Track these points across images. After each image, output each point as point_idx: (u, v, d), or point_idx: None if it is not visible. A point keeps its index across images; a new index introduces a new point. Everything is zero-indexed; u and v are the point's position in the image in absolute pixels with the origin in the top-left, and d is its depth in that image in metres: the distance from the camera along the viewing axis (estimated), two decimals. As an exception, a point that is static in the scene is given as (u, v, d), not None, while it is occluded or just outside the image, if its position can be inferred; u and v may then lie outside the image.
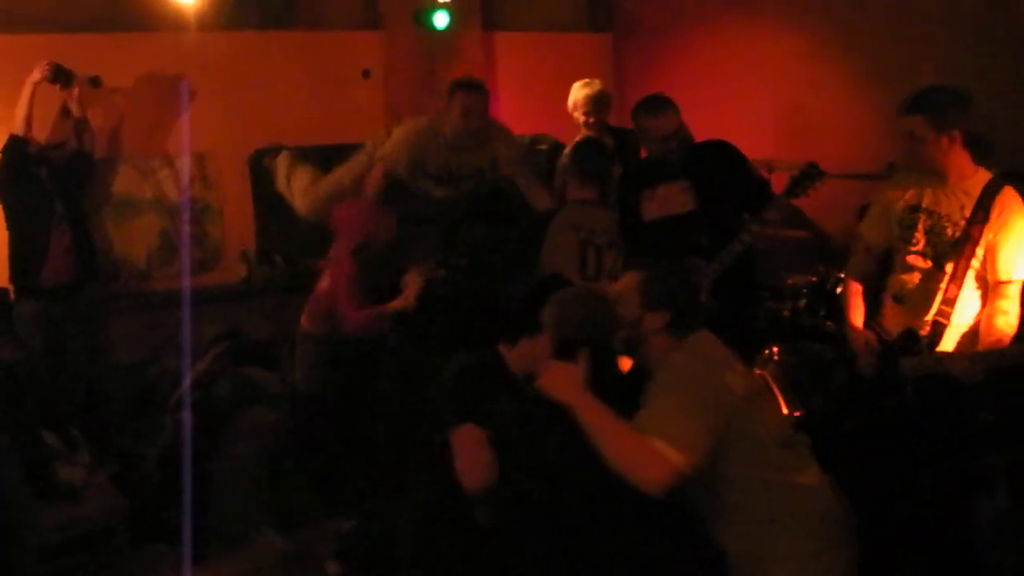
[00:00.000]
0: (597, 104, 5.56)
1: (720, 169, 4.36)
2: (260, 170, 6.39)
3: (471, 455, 3.04)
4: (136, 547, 4.77)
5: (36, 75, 5.32)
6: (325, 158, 5.96)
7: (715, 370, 2.90)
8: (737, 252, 4.10)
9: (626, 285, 3.13)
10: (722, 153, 4.47)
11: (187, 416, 4.96)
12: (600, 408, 2.77)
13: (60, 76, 5.40)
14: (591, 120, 5.56)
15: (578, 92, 5.60)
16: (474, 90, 4.93)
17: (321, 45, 6.82)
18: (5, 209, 5.43)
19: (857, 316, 3.86)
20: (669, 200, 4.30)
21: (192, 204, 6.44)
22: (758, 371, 4.09)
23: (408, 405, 4.57)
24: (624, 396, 2.86)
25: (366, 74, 7.01)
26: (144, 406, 5.46)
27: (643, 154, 5.75)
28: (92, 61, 5.96)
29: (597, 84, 5.65)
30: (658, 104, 4.29)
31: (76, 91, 5.55)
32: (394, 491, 4.04)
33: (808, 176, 3.99)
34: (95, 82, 5.92)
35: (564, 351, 2.98)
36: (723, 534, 2.96)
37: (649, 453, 2.67)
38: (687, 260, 4.13)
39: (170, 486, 4.85)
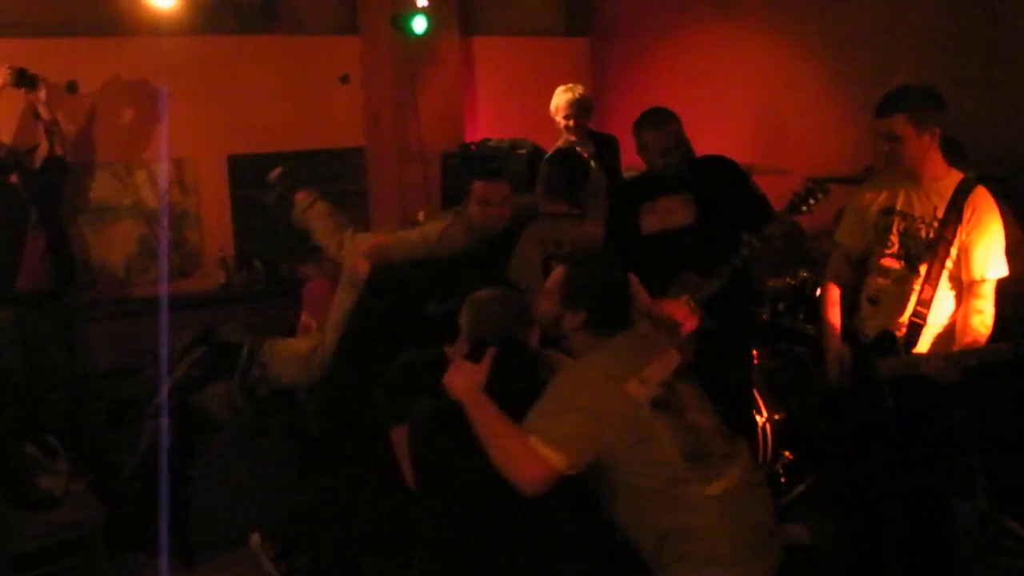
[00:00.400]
0: (578, 108, 5.58)
1: (722, 184, 4.33)
2: (238, 175, 6.37)
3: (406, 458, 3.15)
4: (115, 556, 4.73)
5: None
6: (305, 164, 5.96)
7: (616, 377, 2.84)
8: (735, 268, 4.06)
9: (552, 280, 3.10)
10: (724, 168, 4.44)
11: (165, 422, 4.93)
12: (489, 407, 2.79)
13: (23, 80, 5.34)
14: (572, 124, 5.59)
15: (560, 97, 5.62)
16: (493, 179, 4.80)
17: (299, 50, 6.81)
18: None
19: (834, 329, 3.87)
20: (670, 213, 4.27)
21: (170, 210, 6.41)
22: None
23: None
24: (534, 397, 2.86)
25: (344, 79, 7.00)
26: (125, 414, 5.42)
27: (623, 162, 5.79)
28: (68, 66, 5.94)
29: (579, 89, 5.67)
30: (661, 118, 4.25)
31: (43, 94, 5.47)
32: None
33: (811, 192, 3.97)
34: (71, 87, 5.89)
35: (477, 351, 2.99)
36: (631, 538, 2.93)
37: (526, 451, 2.69)
38: (684, 274, 4.12)
39: (149, 493, 4.82)
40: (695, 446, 2.83)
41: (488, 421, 2.78)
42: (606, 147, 5.72)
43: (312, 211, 5.43)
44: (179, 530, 4.80)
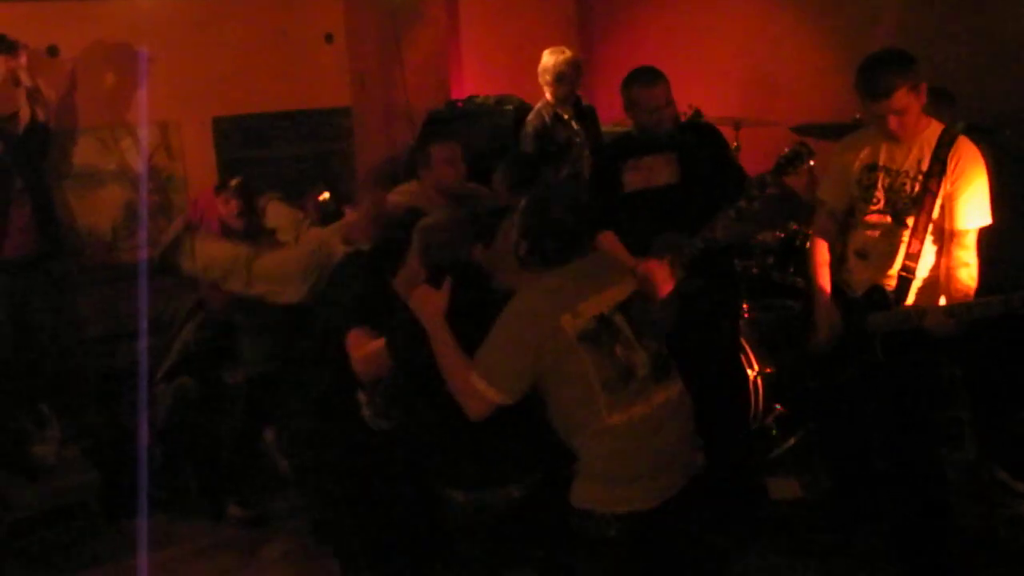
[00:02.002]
0: (568, 73, 5.51)
1: (705, 147, 4.30)
2: (223, 137, 6.33)
3: (362, 350, 3.42)
4: (111, 522, 4.76)
5: None
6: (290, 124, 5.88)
7: (549, 312, 3.02)
8: (714, 238, 4.04)
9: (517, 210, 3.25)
10: (708, 134, 4.42)
11: (186, 384, 4.97)
12: (447, 337, 3.09)
13: (2, 46, 5.25)
14: (560, 90, 5.52)
15: (548, 58, 5.53)
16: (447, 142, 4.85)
17: (283, 9, 6.72)
18: None
19: (824, 293, 3.85)
20: (654, 171, 4.25)
21: (156, 174, 6.36)
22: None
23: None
24: (491, 315, 3.08)
25: (329, 38, 6.93)
26: (124, 380, 5.41)
27: (604, 119, 5.75)
28: (48, 30, 5.86)
29: (568, 53, 5.57)
30: (651, 76, 4.22)
31: (24, 59, 5.36)
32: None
33: (798, 155, 3.94)
34: (52, 51, 5.81)
35: (434, 276, 3.25)
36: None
37: (470, 387, 3.01)
38: (667, 234, 4.10)
39: (177, 455, 4.98)
40: (615, 377, 3.01)
41: (444, 352, 3.09)
42: (587, 118, 5.66)
43: (271, 207, 5.49)
44: (210, 486, 5.00)
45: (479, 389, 3.00)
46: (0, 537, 4.41)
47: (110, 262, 6.16)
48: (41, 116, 5.45)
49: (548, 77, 5.51)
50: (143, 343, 5.32)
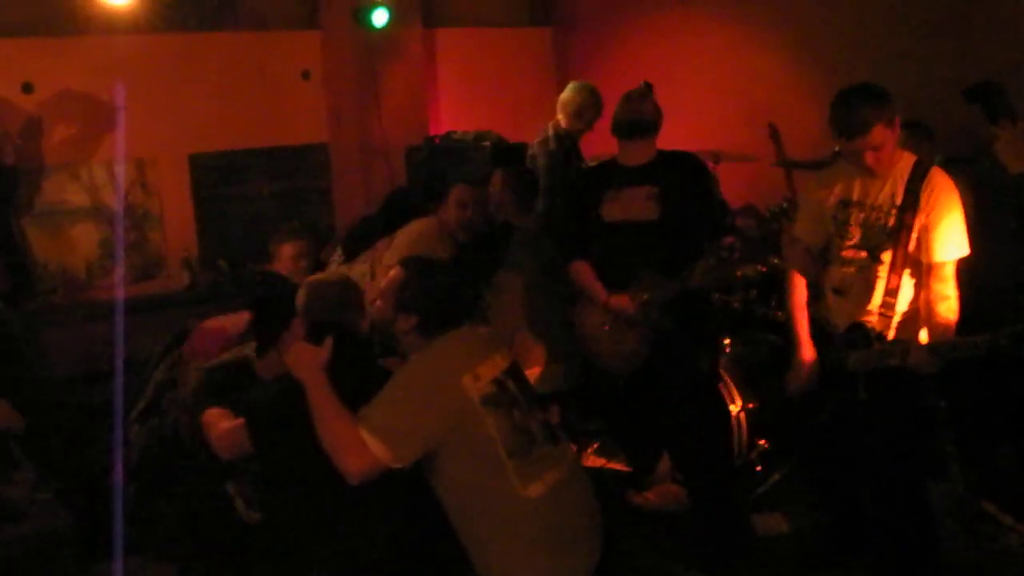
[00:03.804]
0: (595, 111, 5.61)
1: (687, 182, 4.25)
2: (199, 174, 6.29)
3: (217, 427, 3.31)
4: (82, 564, 4.66)
5: None
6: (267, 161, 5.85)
7: (450, 372, 2.94)
8: (690, 285, 4.03)
9: (388, 282, 3.20)
10: (690, 165, 4.35)
11: (164, 422, 4.87)
12: (326, 390, 2.89)
13: None
14: (581, 126, 5.63)
15: (583, 94, 5.65)
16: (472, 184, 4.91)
17: (259, 46, 6.73)
18: None
19: (802, 333, 3.79)
20: (633, 204, 4.20)
21: (132, 211, 6.32)
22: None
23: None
24: (374, 385, 2.95)
25: (306, 75, 6.93)
26: (98, 420, 5.32)
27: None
28: (23, 66, 5.84)
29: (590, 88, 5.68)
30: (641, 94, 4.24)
31: None
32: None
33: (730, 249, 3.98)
34: (27, 88, 5.77)
35: (314, 333, 3.10)
36: (458, 531, 3.02)
37: (355, 442, 2.80)
38: (645, 271, 4.08)
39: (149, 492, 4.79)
40: (520, 446, 2.92)
41: (324, 404, 2.88)
42: (573, 144, 5.71)
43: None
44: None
45: (367, 444, 2.79)
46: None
47: (84, 300, 6.10)
48: (9, 160, 5.40)
49: (580, 113, 5.60)
50: (118, 381, 5.24)
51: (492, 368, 3.00)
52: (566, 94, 5.68)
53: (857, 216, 3.62)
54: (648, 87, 4.27)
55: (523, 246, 4.78)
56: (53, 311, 5.87)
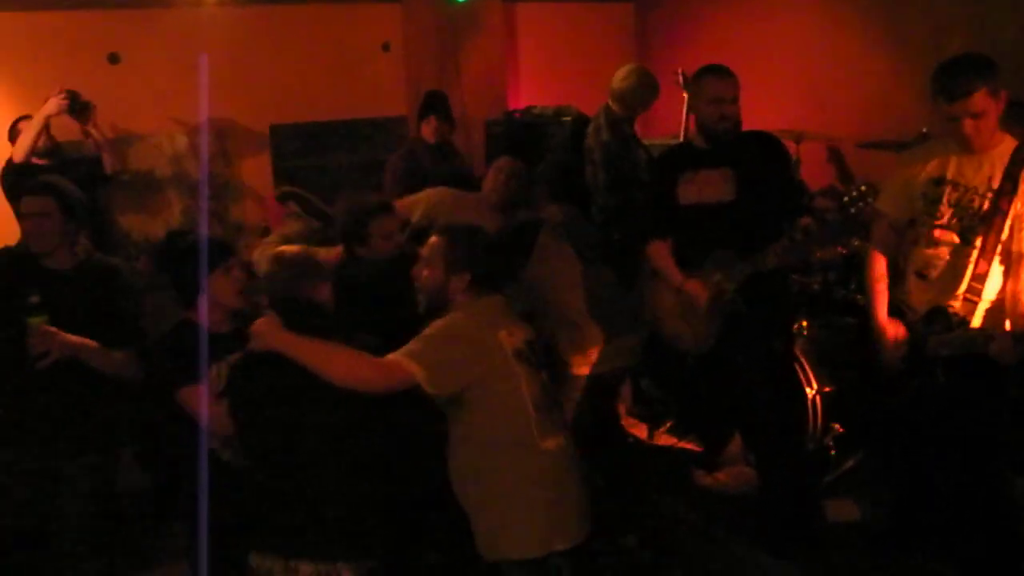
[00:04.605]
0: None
1: (765, 163, 4.15)
2: (280, 144, 6.34)
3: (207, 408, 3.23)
4: (159, 524, 4.75)
5: (51, 107, 5.19)
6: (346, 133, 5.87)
7: (489, 324, 3.09)
8: (768, 264, 3.94)
9: (431, 250, 3.26)
10: (770, 146, 4.26)
11: None
12: (306, 341, 2.89)
13: (76, 109, 5.31)
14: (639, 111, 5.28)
15: (648, 83, 5.20)
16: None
17: (340, 18, 6.76)
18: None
19: (882, 307, 3.71)
20: (708, 186, 4.13)
21: (213, 180, 6.41)
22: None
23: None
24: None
25: (386, 47, 6.94)
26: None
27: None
28: (109, 38, 5.94)
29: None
30: (724, 69, 4.09)
31: (95, 119, 5.51)
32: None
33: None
34: (113, 59, 5.88)
35: (278, 307, 3.07)
36: (457, 476, 3.14)
37: (372, 362, 2.88)
38: (720, 252, 4.02)
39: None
40: (543, 402, 3.09)
41: (314, 348, 2.88)
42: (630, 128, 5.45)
43: None
44: None
45: (400, 362, 2.87)
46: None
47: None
48: (108, 169, 5.54)
49: (627, 95, 5.17)
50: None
51: (523, 332, 3.18)
52: (620, 80, 5.16)
53: (951, 195, 3.50)
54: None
55: (554, 238, 4.62)
56: (137, 279, 5.98)
